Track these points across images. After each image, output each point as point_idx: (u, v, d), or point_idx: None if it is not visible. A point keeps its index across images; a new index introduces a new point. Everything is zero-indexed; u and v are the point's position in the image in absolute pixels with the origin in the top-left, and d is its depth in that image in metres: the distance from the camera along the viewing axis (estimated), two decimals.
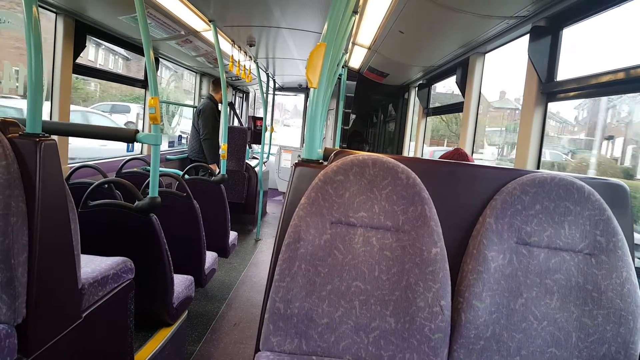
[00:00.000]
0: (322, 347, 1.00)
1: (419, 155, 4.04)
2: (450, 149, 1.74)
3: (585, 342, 0.99)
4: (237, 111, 6.69)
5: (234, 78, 5.64)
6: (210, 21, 2.90)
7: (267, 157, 6.20)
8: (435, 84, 3.78)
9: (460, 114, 2.76)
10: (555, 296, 1.00)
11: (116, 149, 3.85)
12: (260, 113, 8.36)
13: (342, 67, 3.76)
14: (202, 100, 4.53)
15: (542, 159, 1.91)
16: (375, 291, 1.00)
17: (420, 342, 0.98)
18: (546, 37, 1.87)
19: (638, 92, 1.46)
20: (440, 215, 1.04)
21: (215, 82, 4.30)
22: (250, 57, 4.35)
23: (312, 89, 1.11)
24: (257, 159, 5.75)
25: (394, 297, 1.00)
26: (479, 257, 1.02)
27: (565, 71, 1.83)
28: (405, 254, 1.01)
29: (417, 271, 1.00)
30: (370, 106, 6.30)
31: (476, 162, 1.52)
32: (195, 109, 4.43)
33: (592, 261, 1.01)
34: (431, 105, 3.89)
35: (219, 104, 4.22)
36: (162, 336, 1.90)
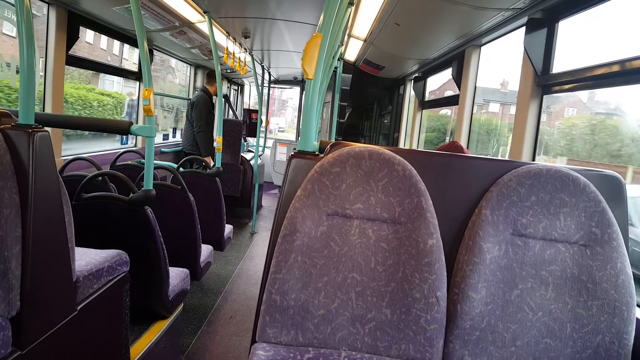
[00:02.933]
0: (319, 338, 1.00)
1: (414, 148, 4.05)
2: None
3: (579, 333, 0.99)
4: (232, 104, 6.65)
5: (228, 70, 5.59)
6: (204, 12, 2.87)
7: (263, 151, 6.17)
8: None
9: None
10: (550, 287, 1.01)
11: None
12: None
13: (338, 59, 3.74)
14: (196, 92, 4.49)
15: None
16: (372, 283, 1.01)
17: (416, 333, 0.99)
18: (542, 29, 1.86)
19: (633, 84, 1.46)
20: (437, 207, 1.04)
21: (210, 75, 4.24)
22: (245, 49, 4.31)
23: (307, 81, 1.10)
24: (253, 152, 5.72)
25: (390, 288, 1.00)
26: (474, 249, 1.02)
27: (561, 64, 1.83)
28: (401, 245, 1.01)
29: (413, 263, 1.00)
30: (366, 99, 6.30)
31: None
32: (189, 101, 4.39)
33: (587, 252, 1.02)
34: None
35: (213, 97, 4.18)
36: (158, 329, 1.90)
